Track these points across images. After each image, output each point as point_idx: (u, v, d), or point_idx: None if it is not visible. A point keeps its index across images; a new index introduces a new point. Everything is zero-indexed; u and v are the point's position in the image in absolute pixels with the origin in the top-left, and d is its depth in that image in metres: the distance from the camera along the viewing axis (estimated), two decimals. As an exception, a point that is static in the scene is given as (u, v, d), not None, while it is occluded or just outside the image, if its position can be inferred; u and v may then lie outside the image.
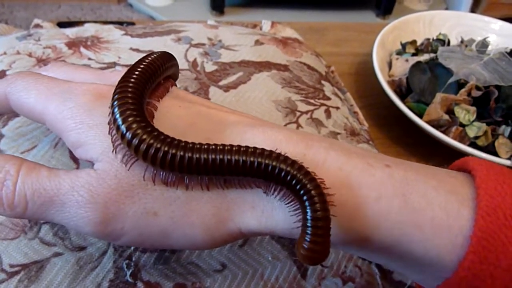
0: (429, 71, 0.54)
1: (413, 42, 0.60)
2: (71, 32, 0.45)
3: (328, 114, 0.40)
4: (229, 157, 0.20)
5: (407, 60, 0.57)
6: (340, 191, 0.21)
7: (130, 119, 0.20)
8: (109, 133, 0.22)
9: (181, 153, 0.20)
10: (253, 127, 0.23)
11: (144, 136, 0.20)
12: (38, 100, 0.24)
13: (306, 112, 0.38)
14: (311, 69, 0.45)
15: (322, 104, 0.40)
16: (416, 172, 0.22)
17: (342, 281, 0.29)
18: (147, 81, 0.23)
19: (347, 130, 0.40)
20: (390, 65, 0.60)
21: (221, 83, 0.38)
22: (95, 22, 0.64)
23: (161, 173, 0.21)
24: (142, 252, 0.27)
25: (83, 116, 0.23)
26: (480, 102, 0.49)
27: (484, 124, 0.48)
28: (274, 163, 0.20)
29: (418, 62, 0.54)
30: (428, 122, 0.49)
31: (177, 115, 0.23)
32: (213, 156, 0.20)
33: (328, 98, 0.42)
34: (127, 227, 0.22)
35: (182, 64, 0.40)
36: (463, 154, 0.47)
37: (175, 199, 0.22)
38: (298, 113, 0.38)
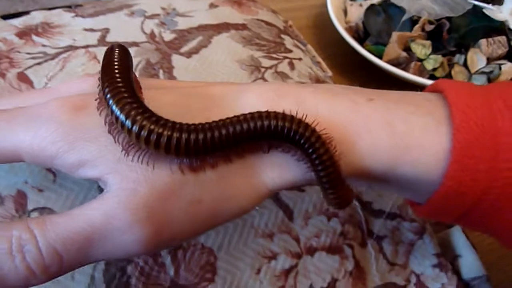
0: (383, 12, 0.55)
1: (365, -14, 0.61)
2: (18, 22, 0.43)
3: (291, 66, 0.41)
4: (242, 126, 0.21)
5: (361, 5, 0.58)
6: (334, 132, 0.22)
7: (138, 117, 0.20)
8: (115, 141, 0.21)
9: (202, 136, 0.20)
10: (241, 92, 0.24)
11: (160, 129, 0.20)
12: (5, 136, 0.22)
13: (271, 67, 0.39)
14: (269, 25, 0.45)
15: (285, 57, 0.41)
16: (396, 101, 0.25)
17: (327, 218, 0.31)
18: (128, 75, 0.22)
19: (312, 79, 0.41)
20: (346, 12, 0.61)
21: (182, 50, 0.38)
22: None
23: (185, 160, 0.21)
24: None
25: (73, 133, 0.21)
26: (434, 35, 0.51)
27: (440, 56, 0.50)
28: (282, 124, 0.21)
29: (372, 5, 0.55)
30: (388, 62, 0.51)
31: (167, 102, 0.23)
32: (230, 130, 0.21)
33: (290, 51, 0.42)
34: (179, 226, 0.21)
35: (139, 37, 0.39)
36: (424, 87, 0.49)
37: (209, 180, 0.22)
38: (262, 69, 0.39)
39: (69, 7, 0.59)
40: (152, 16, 0.42)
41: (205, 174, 0.22)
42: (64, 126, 0.21)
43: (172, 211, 0.21)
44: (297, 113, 0.22)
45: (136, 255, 0.25)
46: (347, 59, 0.59)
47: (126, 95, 0.21)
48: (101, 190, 0.28)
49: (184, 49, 0.38)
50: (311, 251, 0.30)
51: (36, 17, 0.44)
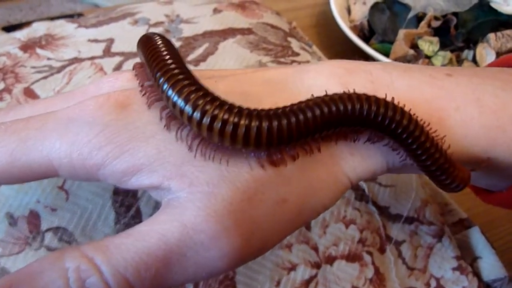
0: (388, 9, 0.54)
1: (368, -17, 0.60)
2: (21, 34, 0.43)
3: (300, 70, 0.40)
4: (331, 109, 0.18)
5: (364, 3, 0.57)
6: (418, 108, 0.20)
7: (208, 105, 0.17)
8: (177, 138, 0.18)
9: (285, 122, 0.17)
10: (301, 73, 0.22)
11: (237, 118, 0.17)
12: (36, 147, 0.18)
13: (279, 72, 0.39)
14: (274, 28, 0.45)
15: (293, 61, 0.40)
16: (478, 75, 0.23)
17: (344, 225, 0.31)
18: (181, 60, 0.20)
19: (321, 82, 0.40)
20: (349, 10, 0.60)
21: (189, 58, 0.38)
22: (41, 20, 0.61)
23: (263, 153, 0.18)
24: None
25: (123, 134, 0.18)
26: (441, 31, 0.51)
27: (448, 52, 0.49)
28: (378, 110, 0.19)
29: (376, 3, 0.55)
30: (395, 60, 0.50)
31: (224, 91, 0.19)
32: (317, 113, 0.18)
33: (297, 54, 0.42)
34: (268, 231, 0.19)
35: (145, 46, 0.39)
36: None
37: (290, 175, 0.19)
38: (271, 75, 0.38)
39: (71, 16, 0.59)
40: (156, 24, 0.42)
41: (287, 168, 0.19)
42: (110, 127, 0.18)
43: (259, 215, 0.18)
44: (386, 96, 0.19)
45: (221, 274, 0.23)
46: (353, 58, 0.58)
47: (187, 81, 0.18)
48: (122, 205, 0.27)
49: (192, 57, 0.38)
50: (330, 260, 0.30)
51: (39, 29, 0.44)
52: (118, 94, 0.20)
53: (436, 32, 0.51)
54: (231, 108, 0.17)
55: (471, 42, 0.50)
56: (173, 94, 0.18)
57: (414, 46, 0.51)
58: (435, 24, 0.51)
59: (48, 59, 0.38)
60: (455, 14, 0.51)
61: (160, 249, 0.16)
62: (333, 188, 0.21)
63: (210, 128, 0.17)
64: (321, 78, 0.21)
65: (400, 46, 0.50)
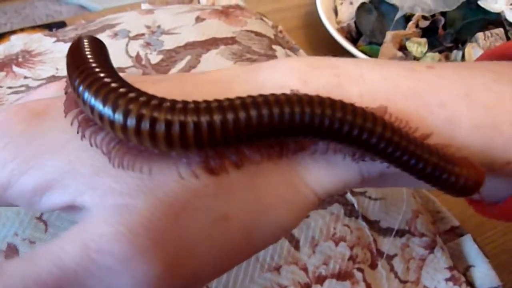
0: (375, 10, 0.53)
1: (354, -17, 0.59)
2: (-3, 51, 0.41)
3: (286, 79, 0.39)
4: (281, 111, 0.14)
5: (351, 3, 0.56)
6: (394, 105, 0.17)
7: (121, 99, 0.14)
8: (91, 143, 0.14)
9: (219, 118, 0.14)
10: (256, 71, 0.18)
11: (156, 113, 0.14)
12: None
13: (264, 83, 0.38)
14: (259, 35, 0.44)
15: (278, 71, 0.39)
16: (465, 67, 0.20)
17: (334, 243, 0.30)
18: (106, 59, 0.17)
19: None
20: (336, 11, 0.59)
21: (171, 72, 0.37)
22: (22, 29, 0.60)
23: (197, 158, 0.15)
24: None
25: (31, 147, 0.15)
26: (429, 32, 0.50)
27: (437, 53, 0.48)
28: (342, 117, 0.15)
29: (363, 3, 0.54)
30: (384, 63, 0.49)
31: (162, 93, 0.16)
32: (264, 112, 0.14)
33: (283, 63, 0.41)
34: (203, 257, 0.15)
35: (125, 61, 0.38)
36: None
37: (235, 186, 0.16)
38: (256, 86, 0.37)
39: (50, 26, 0.57)
40: (136, 37, 0.40)
41: (229, 177, 0.15)
42: (17, 140, 0.15)
43: (190, 235, 0.14)
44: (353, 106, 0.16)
45: None
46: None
47: (102, 75, 0.15)
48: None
49: (173, 71, 0.37)
50: (321, 280, 0.29)
51: (16, 45, 0.42)
52: (37, 102, 0.17)
53: (424, 32, 0.50)
54: (148, 100, 0.14)
55: (460, 42, 0.49)
56: (85, 91, 0.15)
57: (402, 48, 0.50)
58: (423, 24, 0.50)
59: (25, 78, 0.37)
60: (443, 14, 0.50)
61: (52, 275, 0.13)
62: (292, 204, 0.17)
63: (124, 126, 0.14)
64: (277, 74, 0.18)
65: (388, 48, 0.49)
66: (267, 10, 0.64)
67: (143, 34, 0.41)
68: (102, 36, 0.41)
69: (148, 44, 0.39)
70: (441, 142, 0.17)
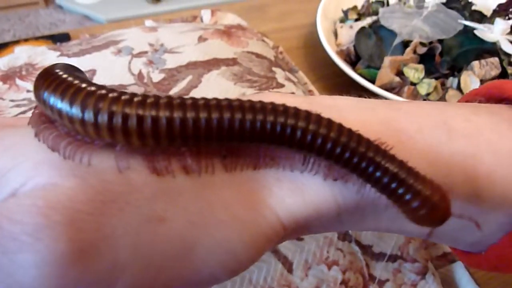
0: (374, 34, 0.54)
1: (354, 7, 0.61)
2: (2, 63, 0.42)
3: (284, 101, 0.40)
4: (248, 116, 0.14)
5: (351, 27, 0.58)
6: (370, 129, 0.16)
7: (61, 86, 0.14)
8: (37, 135, 0.15)
9: (166, 114, 0.14)
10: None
11: (105, 105, 0.14)
12: None
13: (263, 105, 0.38)
14: (260, 57, 0.45)
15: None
16: (443, 103, 0.19)
17: (327, 266, 0.30)
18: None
19: (306, 114, 0.40)
20: (336, 34, 0.60)
21: (172, 92, 0.37)
22: (26, 40, 0.60)
23: (141, 155, 0.14)
24: None
25: None
26: (426, 58, 0.51)
27: (433, 80, 0.49)
28: (305, 126, 0.15)
29: (362, 28, 0.55)
30: (381, 87, 0.50)
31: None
32: (226, 117, 0.14)
33: (282, 85, 0.42)
34: (124, 255, 0.13)
35: (127, 78, 0.38)
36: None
37: (180, 191, 0.15)
38: (255, 107, 0.38)
39: (54, 40, 0.58)
40: (139, 54, 0.41)
41: (175, 181, 0.15)
42: None
43: (113, 226, 0.13)
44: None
45: None
46: (339, 80, 0.58)
47: (64, 77, 0.15)
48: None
49: (174, 90, 0.37)
50: (313, 303, 0.29)
51: (20, 57, 0.43)
52: (9, 118, 0.17)
53: (421, 59, 0.51)
54: (106, 94, 0.14)
55: (456, 69, 0.50)
56: (45, 91, 0.15)
57: (400, 73, 0.51)
58: (421, 50, 0.51)
59: (28, 91, 0.38)
60: (440, 41, 0.51)
61: None
62: (247, 226, 0.15)
63: (59, 113, 0.14)
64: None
65: (386, 73, 0.50)
66: (269, 29, 0.65)
67: (146, 52, 0.42)
68: (106, 53, 0.41)
69: (150, 62, 0.40)
70: (420, 169, 0.16)
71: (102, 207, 0.13)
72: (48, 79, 0.15)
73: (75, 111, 0.14)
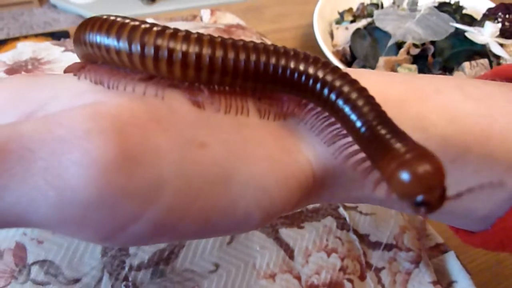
0: (369, 35, 0.56)
1: (350, 9, 0.62)
2: (7, 57, 0.43)
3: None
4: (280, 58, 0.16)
5: (347, 28, 0.59)
6: (392, 87, 0.17)
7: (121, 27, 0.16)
8: (77, 74, 0.16)
9: (209, 51, 0.15)
10: None
11: (148, 38, 0.15)
12: None
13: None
14: (259, 55, 0.46)
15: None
16: (455, 77, 0.21)
17: (326, 254, 0.32)
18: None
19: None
20: (332, 35, 0.62)
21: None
22: (25, 37, 0.61)
23: (184, 88, 0.16)
24: (137, 271, 0.28)
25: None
26: (419, 59, 0.53)
27: (426, 79, 0.51)
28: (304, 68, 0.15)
29: (358, 29, 0.57)
30: (376, 86, 0.52)
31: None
32: (263, 59, 0.16)
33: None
34: (166, 171, 0.14)
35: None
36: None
37: (219, 124, 0.16)
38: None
39: (54, 37, 0.59)
40: (143, 50, 0.42)
41: (215, 116, 0.16)
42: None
43: (158, 142, 0.14)
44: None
45: (84, 202, 0.13)
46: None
47: (108, 18, 0.16)
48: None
49: (178, 85, 0.38)
50: (313, 288, 0.30)
51: (25, 52, 0.44)
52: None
53: (414, 59, 0.53)
54: (150, 28, 0.15)
55: (448, 70, 0.52)
56: (90, 31, 0.16)
57: (394, 73, 0.53)
58: (414, 51, 0.53)
59: (35, 84, 0.38)
60: (433, 43, 0.53)
61: (6, 138, 0.12)
62: (280, 164, 0.15)
63: (119, 50, 0.15)
64: None
65: (381, 72, 0.52)
66: (267, 30, 0.67)
67: (149, 48, 0.43)
68: (110, 48, 0.42)
69: (154, 58, 0.41)
70: (441, 127, 0.17)
71: (148, 124, 0.14)
72: (91, 22, 0.16)
73: (122, 44, 0.15)
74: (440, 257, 0.38)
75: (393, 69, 0.52)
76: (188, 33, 0.16)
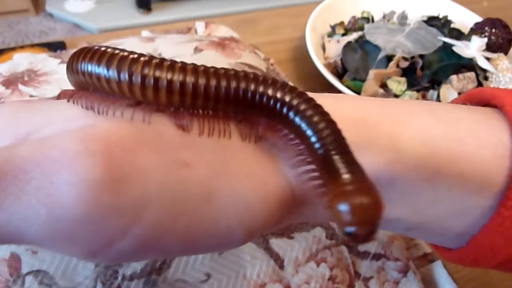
0: (360, 49, 0.57)
1: (341, 23, 0.64)
2: (3, 69, 0.43)
3: (276, 110, 0.42)
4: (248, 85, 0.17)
5: (338, 41, 0.61)
6: (367, 113, 0.19)
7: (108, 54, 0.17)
8: (70, 99, 0.17)
9: (192, 78, 0.17)
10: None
11: (135, 67, 0.16)
12: None
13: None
14: (252, 68, 0.47)
15: (269, 102, 0.43)
16: (428, 102, 0.22)
17: (316, 263, 0.32)
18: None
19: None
20: (324, 47, 0.63)
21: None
22: (22, 47, 0.62)
23: (169, 112, 0.17)
24: (129, 281, 0.28)
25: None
26: (408, 72, 0.54)
27: (415, 92, 0.53)
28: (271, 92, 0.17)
29: (349, 42, 0.58)
30: (367, 98, 0.53)
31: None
32: (240, 85, 0.17)
33: (274, 95, 0.44)
34: (152, 189, 0.15)
35: (127, 86, 0.40)
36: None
37: (203, 145, 0.17)
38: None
39: (50, 48, 0.60)
40: (138, 63, 0.43)
41: (199, 138, 0.17)
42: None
43: (144, 162, 0.15)
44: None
45: (74, 218, 0.14)
46: (326, 91, 0.60)
47: (99, 48, 0.18)
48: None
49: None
50: (302, 298, 0.31)
51: (21, 63, 0.45)
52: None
53: (404, 72, 0.54)
54: (138, 58, 0.17)
55: (436, 82, 0.53)
56: (82, 61, 0.17)
57: (384, 85, 0.54)
58: (403, 64, 0.54)
59: (31, 96, 0.39)
60: (421, 56, 0.54)
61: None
62: (262, 184, 0.17)
63: (109, 79, 0.17)
64: None
65: (371, 84, 0.53)
66: (260, 42, 0.68)
67: (144, 61, 0.44)
68: (106, 61, 0.43)
69: (149, 71, 0.42)
70: (413, 148, 0.18)
71: (135, 147, 0.15)
72: (83, 53, 0.18)
73: (112, 73, 0.17)
74: (427, 267, 0.39)
75: (383, 82, 0.53)
76: (172, 62, 0.17)
